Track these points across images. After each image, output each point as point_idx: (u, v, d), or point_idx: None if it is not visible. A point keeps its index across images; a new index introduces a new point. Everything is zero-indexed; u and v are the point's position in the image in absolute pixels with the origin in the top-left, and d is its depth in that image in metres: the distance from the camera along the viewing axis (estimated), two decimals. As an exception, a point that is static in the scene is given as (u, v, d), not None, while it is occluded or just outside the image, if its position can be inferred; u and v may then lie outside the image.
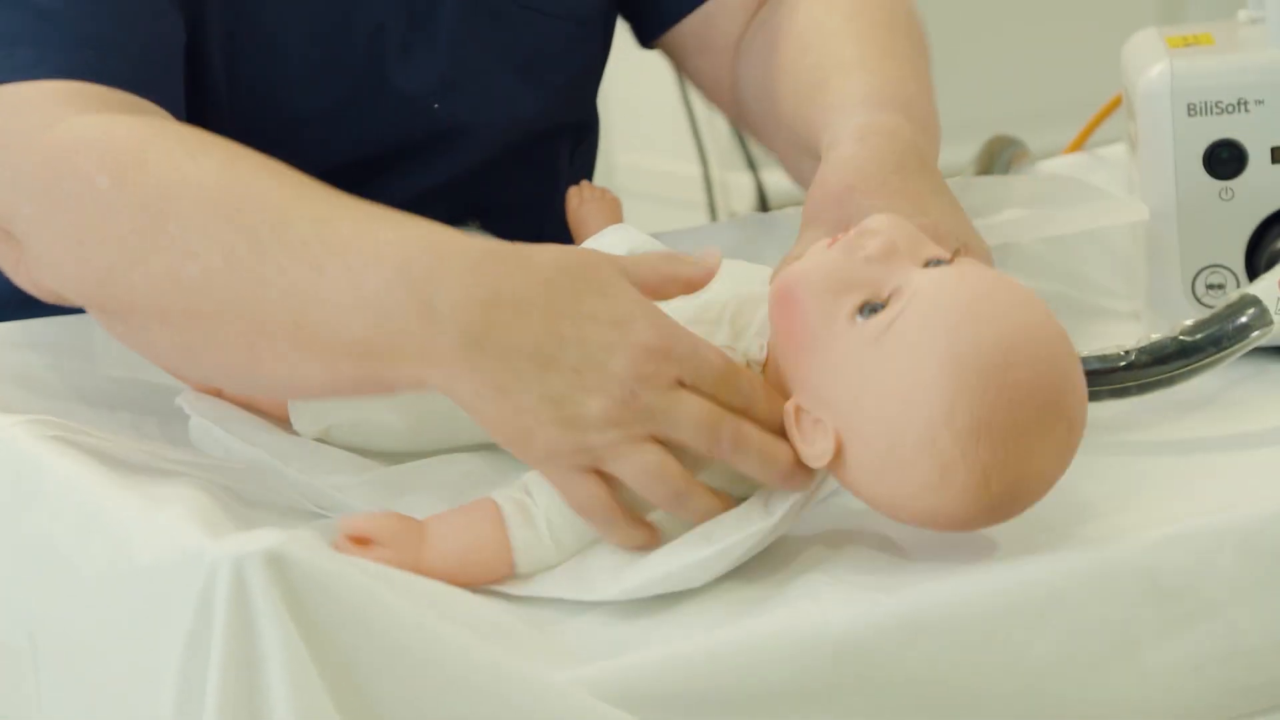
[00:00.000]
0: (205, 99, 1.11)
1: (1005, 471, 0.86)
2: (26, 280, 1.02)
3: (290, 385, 0.96)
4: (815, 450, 0.89)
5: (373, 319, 0.90)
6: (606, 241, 1.03)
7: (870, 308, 0.88)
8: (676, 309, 0.91)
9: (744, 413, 0.89)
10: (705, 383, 0.89)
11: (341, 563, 0.80)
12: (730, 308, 0.96)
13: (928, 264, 0.89)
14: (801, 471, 0.90)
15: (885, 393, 0.87)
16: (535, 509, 0.90)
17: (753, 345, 0.93)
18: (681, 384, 0.88)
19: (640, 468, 0.88)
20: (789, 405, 0.90)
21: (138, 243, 0.95)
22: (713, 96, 1.27)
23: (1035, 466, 0.87)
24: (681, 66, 1.28)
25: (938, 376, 0.86)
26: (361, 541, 0.89)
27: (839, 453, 0.88)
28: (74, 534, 0.88)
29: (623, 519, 0.89)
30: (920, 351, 0.87)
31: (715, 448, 0.89)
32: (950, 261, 0.90)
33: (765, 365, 0.92)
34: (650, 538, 0.89)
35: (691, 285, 0.92)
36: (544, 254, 0.90)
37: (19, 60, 1.00)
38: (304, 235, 0.93)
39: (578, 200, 1.16)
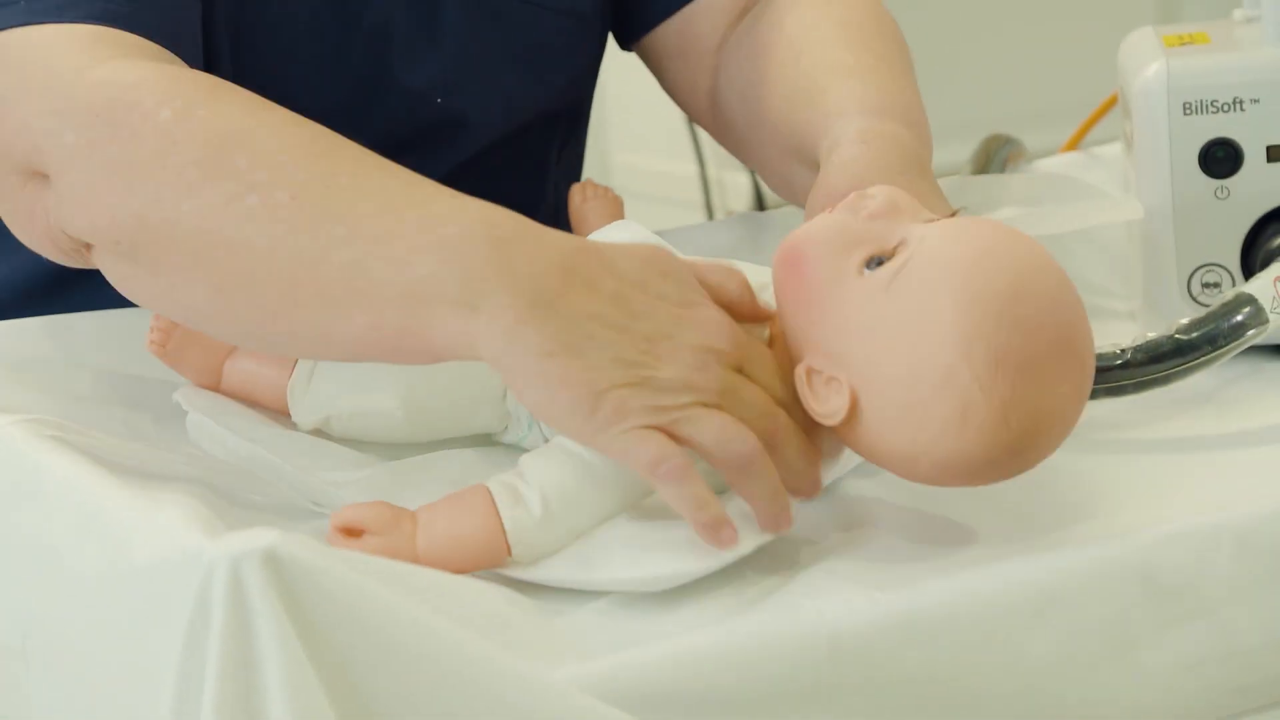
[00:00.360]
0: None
1: (1024, 405, 0.87)
2: (42, 229, 0.99)
3: (318, 333, 0.92)
4: (829, 407, 0.89)
5: (445, 258, 0.87)
6: (612, 236, 1.03)
7: (877, 260, 0.89)
8: None
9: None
10: (759, 376, 0.89)
11: (338, 561, 0.80)
12: None
13: (928, 222, 0.90)
14: (816, 485, 0.90)
15: (900, 337, 0.87)
16: (527, 490, 0.89)
17: (754, 329, 0.93)
18: (741, 371, 0.89)
19: (717, 428, 0.86)
20: (800, 368, 0.90)
21: (196, 174, 0.92)
22: (687, 101, 1.27)
23: (1051, 403, 0.88)
24: (658, 70, 1.29)
25: (952, 313, 0.87)
26: (353, 532, 0.88)
27: (853, 409, 0.88)
28: (71, 534, 0.88)
29: (697, 479, 0.86)
30: (933, 291, 0.87)
31: (768, 436, 0.88)
32: (951, 217, 0.91)
33: (771, 345, 0.92)
34: (719, 512, 0.87)
35: (737, 308, 0.91)
36: (617, 245, 0.91)
37: (47, 3, 0.99)
38: (383, 185, 0.91)
39: (580, 198, 1.16)
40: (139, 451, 0.97)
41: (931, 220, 0.90)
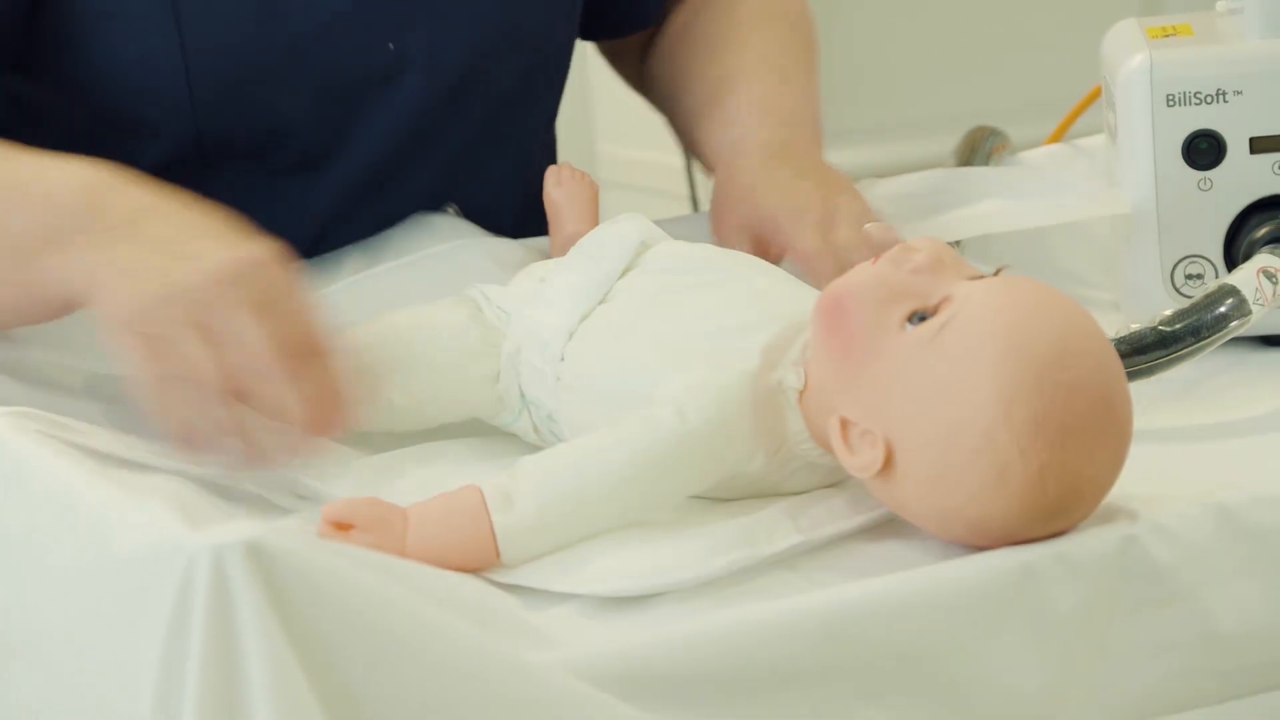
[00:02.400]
0: (161, 44, 1.12)
1: (1062, 473, 0.86)
2: None
3: None
4: (863, 460, 0.88)
5: (41, 210, 0.97)
6: (619, 230, 1.03)
7: (920, 316, 0.88)
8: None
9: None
10: (278, 319, 0.93)
11: (321, 552, 0.80)
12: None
13: (971, 279, 0.90)
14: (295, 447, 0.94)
15: (940, 395, 0.87)
16: (521, 497, 0.89)
17: (789, 373, 0.92)
18: (258, 311, 0.92)
19: (192, 350, 0.92)
20: (834, 419, 0.89)
21: None
22: (629, 83, 1.35)
23: (1090, 470, 0.87)
24: (612, 63, 1.35)
25: (994, 375, 0.86)
26: (343, 527, 0.88)
27: (888, 464, 0.88)
28: (53, 526, 0.87)
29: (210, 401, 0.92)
30: (975, 352, 0.86)
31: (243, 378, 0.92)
32: (995, 276, 0.90)
33: (803, 392, 0.92)
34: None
35: None
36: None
37: None
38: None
39: (555, 181, 1.16)
40: (123, 444, 0.97)
41: (976, 278, 0.90)
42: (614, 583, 0.86)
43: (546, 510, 0.89)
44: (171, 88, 1.14)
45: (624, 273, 1.00)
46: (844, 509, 0.91)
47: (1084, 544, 0.87)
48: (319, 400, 0.94)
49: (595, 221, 1.14)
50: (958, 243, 0.99)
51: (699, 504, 0.93)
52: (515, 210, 1.24)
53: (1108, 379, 0.88)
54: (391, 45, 1.18)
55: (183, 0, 1.13)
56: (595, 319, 0.98)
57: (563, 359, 0.98)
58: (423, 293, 1.08)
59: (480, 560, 0.89)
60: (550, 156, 1.32)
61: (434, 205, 1.22)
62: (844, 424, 0.89)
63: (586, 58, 1.63)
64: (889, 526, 0.91)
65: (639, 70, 1.33)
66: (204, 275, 0.93)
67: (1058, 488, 0.86)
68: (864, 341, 0.89)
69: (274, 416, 0.93)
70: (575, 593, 0.87)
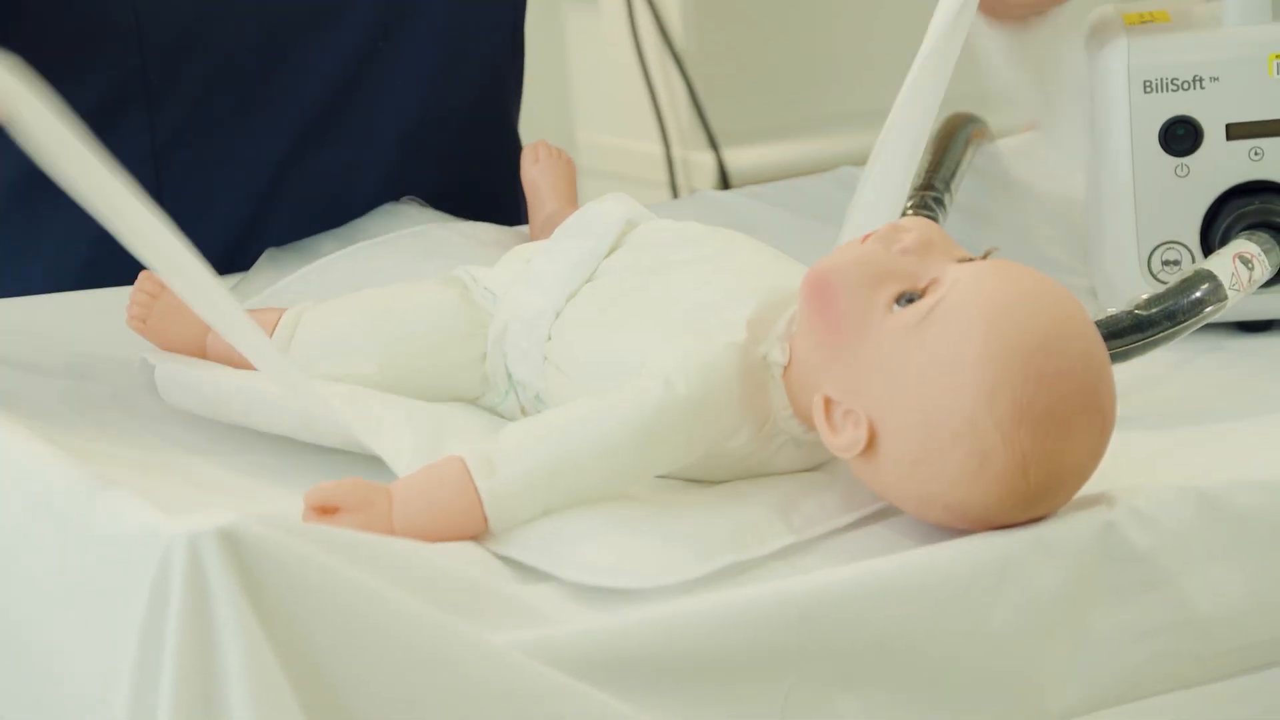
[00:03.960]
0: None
1: (1044, 460, 0.86)
2: None
3: None
4: (845, 440, 0.88)
5: None
6: (605, 209, 1.03)
7: (907, 297, 0.88)
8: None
9: None
10: None
11: (296, 538, 0.79)
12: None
13: (960, 261, 0.90)
14: None
15: (924, 379, 0.87)
16: (504, 463, 0.88)
17: (774, 348, 0.92)
18: None
19: None
20: (817, 398, 0.89)
21: None
22: None
23: (1072, 458, 0.87)
24: None
25: (980, 361, 0.86)
26: (327, 510, 0.88)
27: (871, 444, 0.88)
28: (23, 515, 0.87)
29: None
30: (961, 337, 0.86)
31: None
32: (984, 259, 0.90)
33: (787, 367, 0.92)
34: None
35: None
36: None
37: None
38: None
39: (532, 159, 1.16)
40: (94, 429, 0.97)
41: (965, 259, 0.90)
42: (599, 577, 0.86)
43: (531, 474, 0.88)
44: (119, 19, 1.13)
45: (610, 251, 1.00)
46: (837, 505, 0.91)
47: (1063, 529, 0.87)
48: None
49: (574, 199, 1.15)
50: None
51: (689, 489, 0.93)
52: (472, 188, 1.23)
53: (1093, 367, 0.88)
54: None
55: None
56: (582, 299, 0.98)
57: (549, 339, 0.98)
58: (402, 272, 1.09)
59: (468, 529, 0.88)
60: (510, 138, 1.31)
61: (387, 148, 1.21)
62: (828, 403, 0.89)
63: (566, 47, 1.64)
64: (874, 513, 0.91)
65: None
66: None
67: (1039, 475, 0.86)
68: (850, 322, 0.89)
69: None
70: (567, 578, 0.86)
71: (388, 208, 1.23)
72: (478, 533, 0.88)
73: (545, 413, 0.93)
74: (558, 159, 1.15)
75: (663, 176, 2.40)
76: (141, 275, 1.07)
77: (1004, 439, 0.86)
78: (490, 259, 1.06)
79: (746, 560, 0.87)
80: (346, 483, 0.89)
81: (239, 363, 1.02)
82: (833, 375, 0.89)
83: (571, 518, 0.89)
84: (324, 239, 1.21)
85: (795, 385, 0.92)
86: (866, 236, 0.91)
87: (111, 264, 1.15)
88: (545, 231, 1.05)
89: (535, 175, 1.14)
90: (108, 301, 1.14)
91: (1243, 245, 1.08)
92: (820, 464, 0.95)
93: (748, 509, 0.90)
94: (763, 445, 0.93)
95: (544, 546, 0.88)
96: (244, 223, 1.20)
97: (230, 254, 1.19)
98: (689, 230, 1.01)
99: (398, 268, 1.11)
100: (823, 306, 0.90)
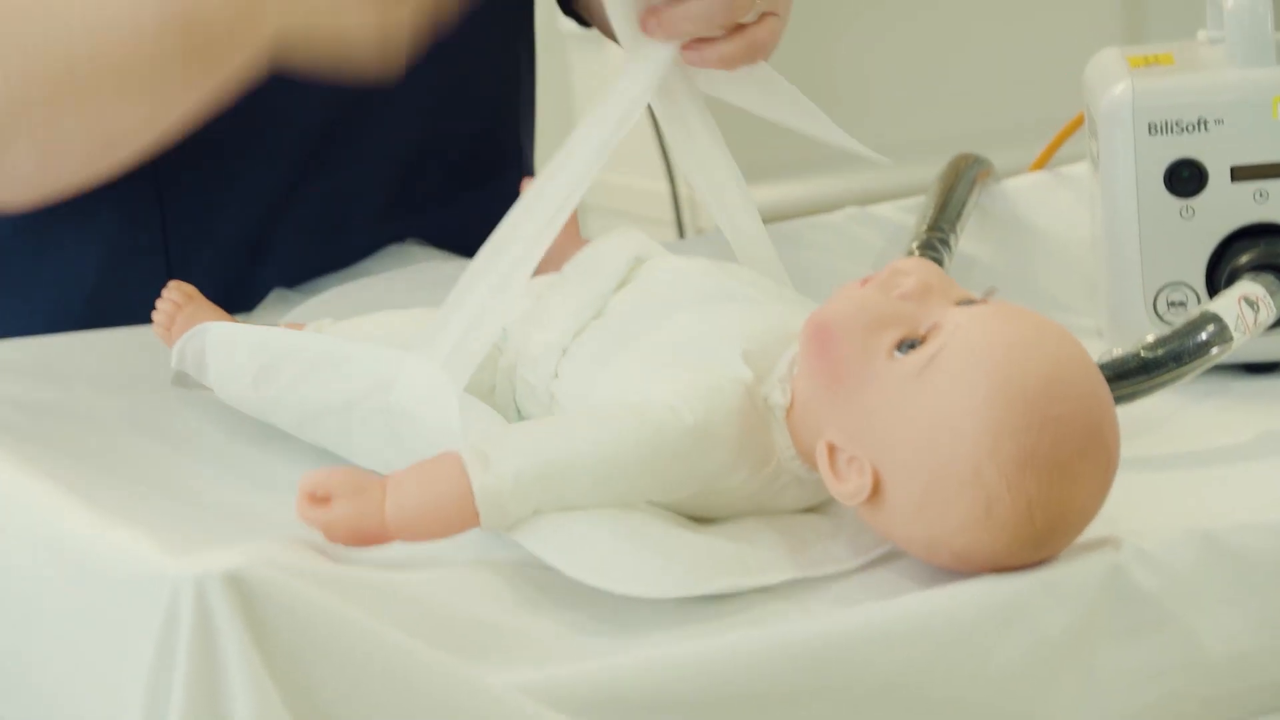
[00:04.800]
0: None
1: (1049, 505, 0.86)
2: None
3: (96, 62, 0.98)
4: (850, 488, 0.89)
5: None
6: (614, 245, 1.03)
7: (908, 343, 0.88)
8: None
9: None
10: None
11: (303, 580, 0.79)
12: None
13: (960, 304, 0.90)
14: None
15: (928, 426, 0.87)
16: (500, 459, 0.88)
17: (776, 390, 0.92)
18: None
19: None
20: (821, 444, 0.90)
21: None
22: None
23: (1078, 501, 0.87)
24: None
25: (982, 409, 0.86)
26: (320, 499, 0.88)
27: (875, 491, 0.88)
28: (29, 557, 0.87)
29: None
30: (964, 384, 0.86)
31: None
32: (983, 302, 0.90)
33: (790, 408, 0.92)
34: None
35: None
36: None
37: None
38: None
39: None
40: (98, 468, 0.97)
41: (965, 301, 0.90)
42: (606, 580, 0.85)
43: (524, 475, 0.88)
44: None
45: (619, 287, 1.00)
46: (843, 551, 0.91)
47: (1070, 571, 0.87)
48: None
49: (577, 232, 1.15)
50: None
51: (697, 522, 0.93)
52: (479, 219, 1.24)
53: (1096, 409, 0.88)
54: None
55: None
56: (589, 335, 0.99)
57: (556, 376, 0.98)
58: (411, 304, 1.09)
59: (460, 522, 0.88)
60: (517, 171, 1.31)
61: (387, 175, 1.21)
62: (831, 449, 0.90)
63: (572, 85, 1.65)
64: (880, 556, 0.91)
65: None
66: None
67: (1045, 519, 0.87)
68: (852, 369, 0.89)
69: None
70: (568, 573, 0.86)
71: (393, 249, 1.24)
72: (469, 526, 0.88)
73: (548, 417, 0.93)
74: None
75: (669, 214, 2.40)
76: (170, 285, 1.09)
77: (1009, 485, 0.86)
78: None
79: (750, 587, 0.87)
80: (339, 471, 0.89)
81: None
82: (835, 421, 0.90)
83: (582, 518, 0.88)
84: (329, 280, 1.21)
85: (798, 427, 0.92)
86: (866, 280, 0.91)
87: (112, 301, 1.15)
88: (550, 265, 1.05)
89: None
90: (112, 341, 1.15)
91: (1248, 287, 1.08)
92: (824, 501, 0.95)
93: (754, 544, 0.90)
94: (766, 485, 0.93)
95: (552, 540, 0.87)
96: (246, 248, 1.21)
97: (232, 280, 1.20)
98: (696, 267, 1.02)
99: (408, 301, 1.12)
100: (823, 353, 0.90)
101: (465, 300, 0.97)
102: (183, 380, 1.10)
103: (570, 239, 1.11)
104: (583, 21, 1.32)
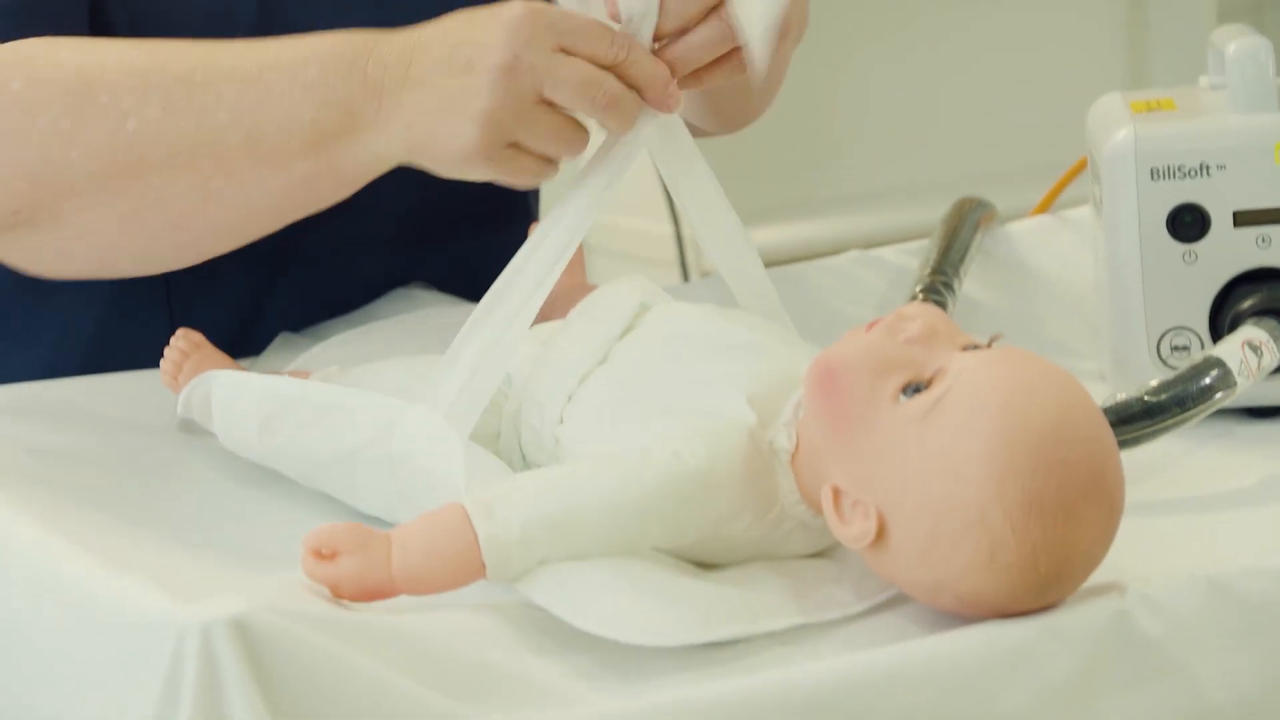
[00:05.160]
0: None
1: (1054, 550, 0.86)
2: None
3: (246, 211, 1.03)
4: (855, 531, 0.89)
5: (319, 99, 1.00)
6: (620, 291, 1.04)
7: (914, 388, 0.88)
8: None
9: (623, 65, 0.98)
10: (582, 44, 0.97)
11: (307, 625, 0.79)
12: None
13: (965, 349, 0.90)
14: (669, 85, 0.99)
15: (933, 470, 0.87)
16: (505, 509, 0.88)
17: (781, 434, 0.92)
18: (562, 50, 0.97)
19: (544, 133, 0.98)
20: (826, 488, 0.90)
21: (70, 123, 1.01)
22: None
23: (1082, 546, 0.87)
24: None
25: (988, 453, 0.86)
26: (327, 555, 0.88)
27: (880, 535, 0.88)
28: (34, 603, 0.87)
29: (552, 170, 1.00)
30: (969, 429, 0.86)
31: (594, 105, 0.98)
32: (988, 347, 0.90)
33: (795, 452, 0.92)
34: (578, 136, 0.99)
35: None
36: (460, 11, 1.00)
37: None
38: (234, 62, 1.02)
39: None
40: (103, 511, 0.97)
41: (970, 346, 0.90)
42: (610, 629, 0.85)
43: (530, 524, 0.88)
44: None
45: (624, 333, 1.01)
46: (848, 596, 0.91)
47: (1075, 617, 0.87)
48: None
49: (583, 276, 1.15)
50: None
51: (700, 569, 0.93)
52: (485, 265, 1.24)
53: (1100, 454, 0.88)
54: None
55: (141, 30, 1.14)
56: (595, 381, 0.99)
57: (562, 421, 0.98)
58: (413, 349, 1.09)
59: (466, 574, 0.88)
60: (524, 216, 1.31)
61: (389, 223, 1.22)
62: (836, 493, 0.90)
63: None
64: (886, 601, 0.91)
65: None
66: (504, 60, 0.97)
67: (1050, 564, 0.87)
68: (857, 413, 0.89)
69: (646, 83, 0.99)
70: (574, 624, 0.86)
71: (399, 293, 1.24)
72: (475, 578, 0.88)
73: (552, 466, 0.93)
74: None
75: (673, 256, 2.40)
76: (177, 333, 1.10)
77: (1014, 530, 0.86)
78: None
79: (755, 633, 0.87)
80: (344, 526, 0.89)
81: None
82: (840, 465, 0.90)
83: (588, 568, 0.88)
84: (336, 324, 1.21)
85: (803, 471, 0.92)
86: (872, 325, 0.91)
87: (112, 352, 1.16)
88: (557, 311, 1.06)
89: None
90: (117, 385, 1.15)
91: (1251, 332, 1.08)
92: (829, 545, 0.95)
93: (759, 590, 0.90)
94: (770, 530, 0.93)
95: (559, 592, 0.87)
96: (249, 297, 1.21)
97: (235, 328, 1.20)
98: (702, 314, 1.02)
99: (414, 346, 1.12)
100: (829, 397, 0.90)
101: (467, 348, 0.98)
102: (189, 427, 1.10)
103: (576, 284, 1.11)
104: None
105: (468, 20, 1.00)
